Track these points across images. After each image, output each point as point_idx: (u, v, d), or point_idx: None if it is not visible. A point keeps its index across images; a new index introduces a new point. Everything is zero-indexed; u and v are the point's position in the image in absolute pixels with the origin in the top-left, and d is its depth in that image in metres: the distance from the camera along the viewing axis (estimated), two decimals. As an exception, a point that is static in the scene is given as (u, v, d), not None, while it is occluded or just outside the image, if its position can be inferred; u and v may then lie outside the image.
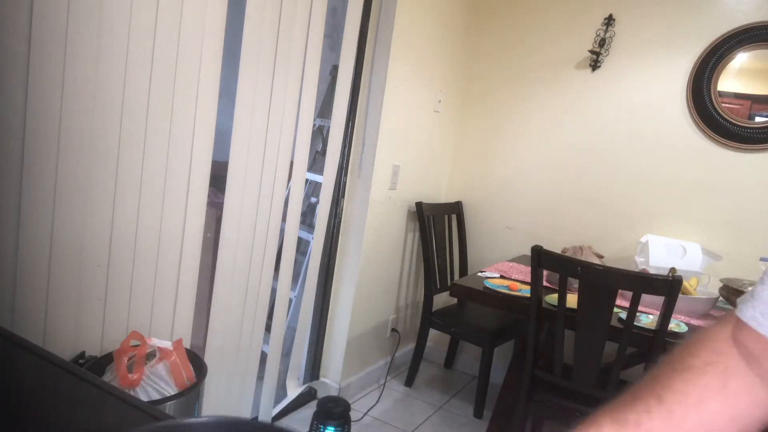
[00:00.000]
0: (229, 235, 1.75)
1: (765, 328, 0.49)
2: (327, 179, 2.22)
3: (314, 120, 2.06)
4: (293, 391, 2.35)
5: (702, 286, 2.17)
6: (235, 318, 1.85)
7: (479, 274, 2.23)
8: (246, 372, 1.97)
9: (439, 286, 2.73)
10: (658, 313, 1.70)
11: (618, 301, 1.78)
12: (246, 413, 2.04)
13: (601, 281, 1.70)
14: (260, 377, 2.07)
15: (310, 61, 1.91)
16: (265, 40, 1.70)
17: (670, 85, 2.42)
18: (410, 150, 2.61)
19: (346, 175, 2.36)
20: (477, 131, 2.95)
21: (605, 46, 2.53)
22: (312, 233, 2.26)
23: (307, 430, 0.68)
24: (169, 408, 1.20)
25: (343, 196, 2.37)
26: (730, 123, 2.29)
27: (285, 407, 2.30)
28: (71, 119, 1.22)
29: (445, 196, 3.04)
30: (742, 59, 2.27)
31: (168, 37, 1.39)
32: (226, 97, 1.66)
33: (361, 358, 2.62)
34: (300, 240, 2.32)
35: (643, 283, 1.67)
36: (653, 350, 1.68)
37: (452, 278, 2.88)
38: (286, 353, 2.33)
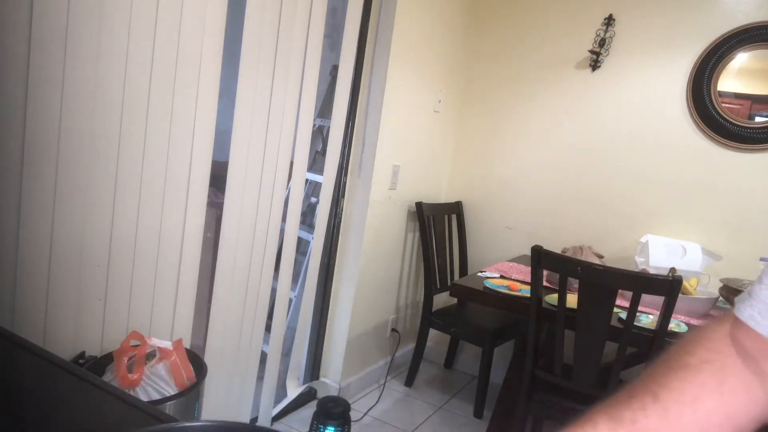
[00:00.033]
0: (229, 235, 1.75)
1: (763, 327, 0.49)
2: (327, 179, 2.22)
3: (314, 120, 2.06)
4: (293, 391, 2.35)
5: (702, 286, 2.17)
6: (235, 318, 1.85)
7: (479, 274, 2.23)
8: (246, 372, 1.97)
9: (439, 286, 2.73)
10: (658, 313, 1.70)
11: (618, 301, 1.78)
12: (246, 413, 2.04)
13: (601, 281, 1.70)
14: (260, 377, 2.07)
15: (310, 61, 1.91)
16: (265, 40, 1.70)
17: (670, 85, 2.42)
18: (410, 150, 2.61)
19: (346, 175, 2.36)
20: (477, 131, 2.95)
21: (605, 46, 2.53)
22: (312, 233, 2.26)
23: (307, 430, 0.68)
24: (169, 408, 1.20)
25: (343, 196, 2.37)
26: (730, 123, 2.29)
27: (285, 407, 2.30)
28: (71, 119, 1.22)
29: (445, 196, 3.04)
30: (742, 59, 2.27)
31: (168, 37, 1.39)
32: (226, 97, 1.66)
33: (361, 358, 2.62)
34: (300, 240, 2.32)
35: (643, 283, 1.67)
36: (653, 350, 1.68)
37: (452, 278, 2.88)
38: (286, 353, 2.33)
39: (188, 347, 1.56)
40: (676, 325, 1.78)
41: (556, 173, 2.73)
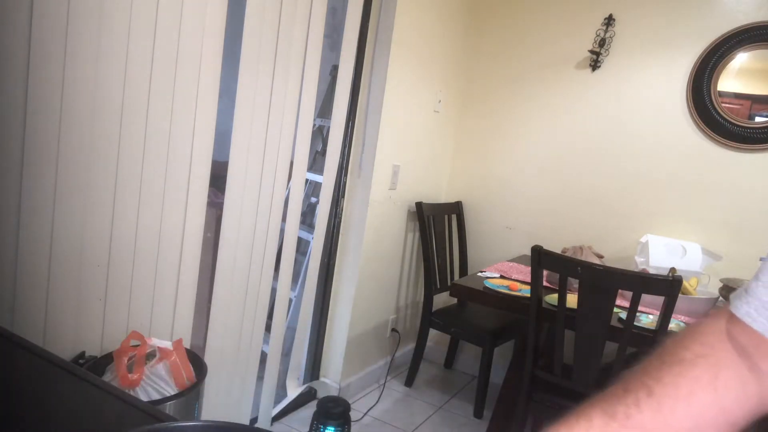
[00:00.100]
0: (229, 235, 1.75)
1: (759, 324, 0.49)
2: (327, 179, 2.22)
3: (314, 120, 2.06)
4: (293, 391, 2.35)
5: (702, 286, 2.17)
6: (235, 318, 1.85)
7: (479, 274, 2.23)
8: (246, 372, 1.97)
9: (439, 286, 2.73)
10: (658, 313, 1.70)
11: (618, 301, 1.78)
12: (246, 413, 2.04)
13: (601, 281, 1.70)
14: (260, 377, 2.07)
15: (310, 61, 1.91)
16: (265, 40, 1.70)
17: (670, 85, 2.42)
18: (410, 150, 2.61)
19: (346, 175, 2.36)
20: (477, 131, 2.95)
21: (605, 46, 2.53)
22: (312, 233, 2.26)
23: (307, 430, 0.68)
24: (169, 408, 1.20)
25: (343, 196, 2.37)
26: (730, 123, 2.29)
27: (285, 407, 2.30)
28: (71, 119, 1.22)
29: (445, 196, 3.04)
30: (742, 59, 2.27)
31: (168, 37, 1.39)
32: (226, 97, 1.66)
33: (361, 358, 2.62)
34: (300, 240, 2.32)
35: (643, 283, 1.67)
36: (653, 351, 1.67)
37: (452, 278, 2.88)
38: (286, 353, 2.33)
39: (188, 347, 1.56)
40: (676, 325, 1.78)
41: (556, 173, 2.73)
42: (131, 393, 1.19)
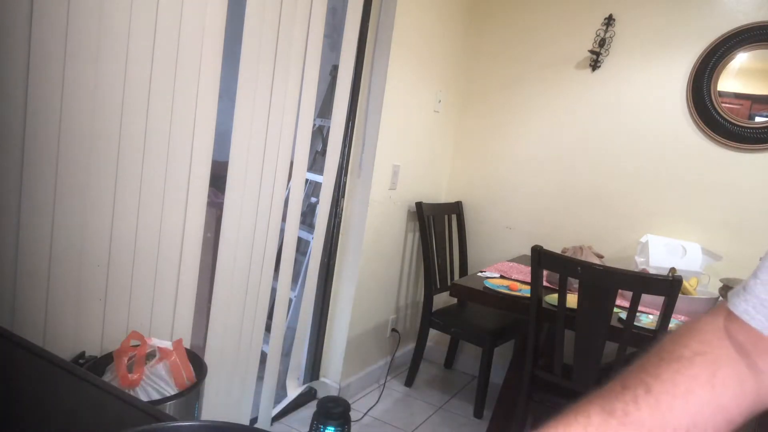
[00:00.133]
0: (229, 235, 1.75)
1: (757, 321, 0.50)
2: (327, 179, 2.22)
3: (314, 120, 2.06)
4: (293, 391, 2.35)
5: (702, 286, 2.17)
6: (235, 318, 1.85)
7: (479, 274, 2.23)
8: (246, 372, 1.97)
9: (439, 286, 2.73)
10: (658, 313, 1.70)
11: (618, 301, 1.78)
12: (246, 413, 2.04)
13: (601, 281, 1.70)
14: (260, 377, 2.07)
15: (310, 61, 1.91)
16: (265, 40, 1.70)
17: (670, 85, 2.42)
18: (410, 150, 2.61)
19: (346, 175, 2.36)
20: (477, 131, 2.96)
21: (605, 46, 2.53)
22: (312, 233, 2.26)
23: (307, 430, 0.68)
24: (169, 408, 1.20)
25: (343, 196, 2.37)
26: (730, 123, 2.29)
27: (285, 407, 2.30)
28: (71, 119, 1.22)
29: (445, 196, 3.04)
30: (742, 59, 2.27)
31: (168, 37, 1.39)
32: (226, 97, 1.66)
33: (361, 358, 2.62)
34: (300, 240, 2.32)
35: (643, 283, 1.67)
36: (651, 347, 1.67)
37: (452, 278, 2.88)
38: (286, 353, 2.33)
39: (188, 347, 1.56)
40: (675, 325, 1.78)
41: (556, 173, 2.73)
42: (131, 393, 1.19)
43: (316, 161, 2.64)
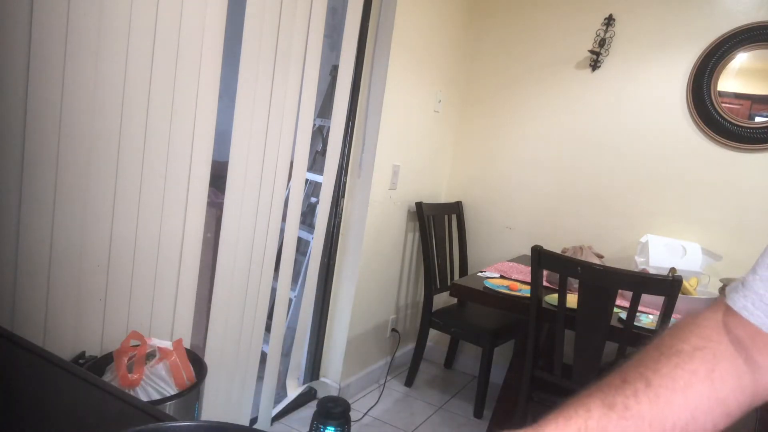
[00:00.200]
0: (229, 235, 1.75)
1: (755, 317, 0.50)
2: (327, 179, 2.22)
3: (314, 120, 2.06)
4: (293, 391, 2.35)
5: (702, 286, 2.17)
6: (235, 318, 1.85)
7: (479, 274, 2.23)
8: (246, 372, 1.97)
9: (439, 286, 2.73)
10: (658, 313, 1.70)
11: (618, 301, 1.78)
12: (246, 413, 2.04)
13: (601, 281, 1.71)
14: (260, 377, 2.07)
15: (310, 61, 1.91)
16: (265, 40, 1.70)
17: (670, 85, 2.42)
18: (410, 150, 2.61)
19: (346, 175, 2.36)
20: (477, 131, 2.96)
21: (605, 46, 2.53)
22: (312, 233, 2.26)
23: (307, 430, 0.68)
24: (169, 408, 1.20)
25: (343, 196, 2.37)
26: (730, 123, 2.29)
27: (285, 407, 2.30)
28: (71, 119, 1.22)
29: (445, 196, 3.04)
30: (742, 59, 2.27)
31: (168, 36, 1.39)
32: (226, 97, 1.66)
33: (361, 358, 2.62)
34: (300, 240, 2.32)
35: (643, 283, 1.67)
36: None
37: (452, 278, 2.88)
38: (286, 353, 2.33)
39: (188, 347, 1.56)
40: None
41: (556, 173, 2.73)
42: (131, 393, 1.19)
43: (316, 161, 2.64)
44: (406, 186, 2.64)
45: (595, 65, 2.58)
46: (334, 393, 2.49)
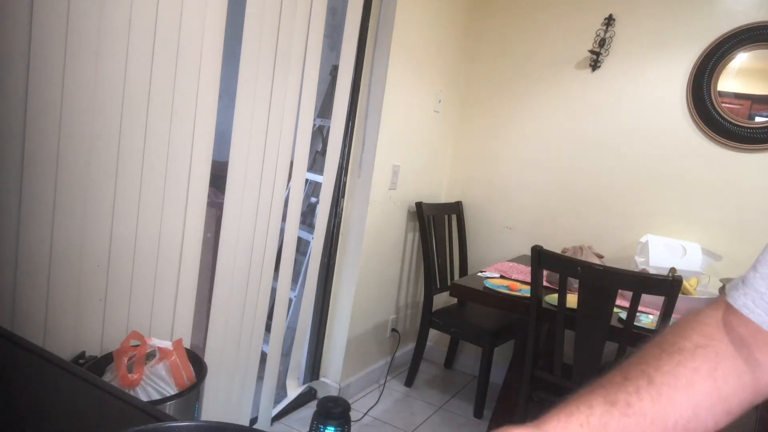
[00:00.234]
0: (229, 235, 1.75)
1: (756, 315, 0.50)
2: (327, 179, 2.22)
3: (314, 120, 2.06)
4: (293, 391, 2.35)
5: (702, 286, 2.17)
6: (235, 318, 1.85)
7: (479, 274, 2.23)
8: (246, 372, 1.97)
9: (439, 286, 2.73)
10: (658, 313, 1.70)
11: (618, 301, 1.78)
12: (246, 413, 2.04)
13: (601, 281, 1.71)
14: (260, 377, 2.07)
15: (310, 61, 1.91)
16: (265, 40, 1.70)
17: (670, 85, 2.42)
18: (410, 150, 2.61)
19: (346, 175, 2.36)
20: (477, 131, 2.96)
21: (605, 46, 2.53)
22: (312, 233, 2.26)
23: (307, 430, 0.68)
24: (169, 408, 1.20)
25: (343, 196, 2.37)
26: (730, 123, 2.29)
27: (285, 407, 2.30)
28: (71, 119, 1.22)
29: (445, 196, 3.04)
30: (742, 59, 2.27)
31: (168, 36, 1.39)
32: (226, 97, 1.66)
33: (361, 358, 2.62)
34: (300, 240, 2.32)
35: (643, 283, 1.67)
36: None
37: (452, 278, 2.88)
38: (286, 353, 2.33)
39: (188, 347, 1.56)
40: (676, 325, 1.78)
41: (556, 173, 2.73)
42: (131, 393, 1.19)
43: (316, 161, 2.64)
44: (406, 186, 2.64)
45: (595, 65, 2.58)
46: (334, 393, 2.49)
